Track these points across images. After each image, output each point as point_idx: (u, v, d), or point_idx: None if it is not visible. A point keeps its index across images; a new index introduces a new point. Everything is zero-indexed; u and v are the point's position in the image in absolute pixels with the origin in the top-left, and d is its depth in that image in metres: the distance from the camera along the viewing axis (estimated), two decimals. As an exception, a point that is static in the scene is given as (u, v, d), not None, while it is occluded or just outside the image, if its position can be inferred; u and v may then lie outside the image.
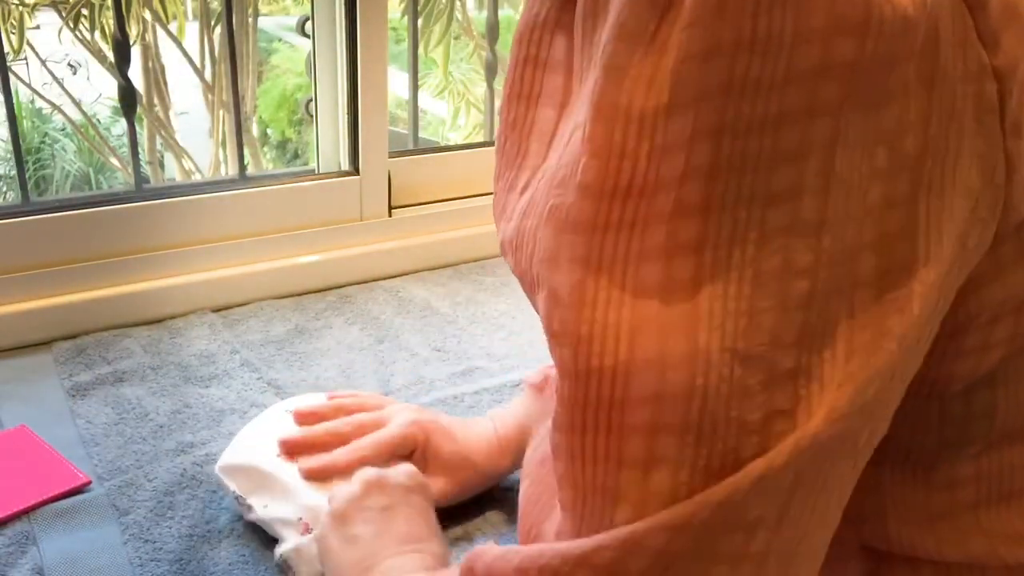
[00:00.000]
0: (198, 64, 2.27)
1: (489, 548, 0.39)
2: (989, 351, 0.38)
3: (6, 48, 1.05)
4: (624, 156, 0.32)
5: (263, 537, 0.72)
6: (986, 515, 0.41)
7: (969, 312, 0.37)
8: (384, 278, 1.23)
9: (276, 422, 0.76)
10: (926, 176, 0.32)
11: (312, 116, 1.26)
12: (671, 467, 0.33)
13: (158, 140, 2.46)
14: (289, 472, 0.70)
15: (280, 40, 3.49)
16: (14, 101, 1.45)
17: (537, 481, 0.44)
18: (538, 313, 0.38)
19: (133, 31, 2.05)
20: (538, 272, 0.36)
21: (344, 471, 0.66)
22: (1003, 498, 0.41)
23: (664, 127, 0.31)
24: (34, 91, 2.71)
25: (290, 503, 0.68)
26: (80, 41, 2.14)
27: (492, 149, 1.40)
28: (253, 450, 0.74)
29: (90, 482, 0.79)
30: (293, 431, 0.73)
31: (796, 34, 0.30)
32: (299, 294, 1.18)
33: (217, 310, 1.12)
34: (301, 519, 0.67)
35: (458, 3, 2.33)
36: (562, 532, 0.37)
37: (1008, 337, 0.37)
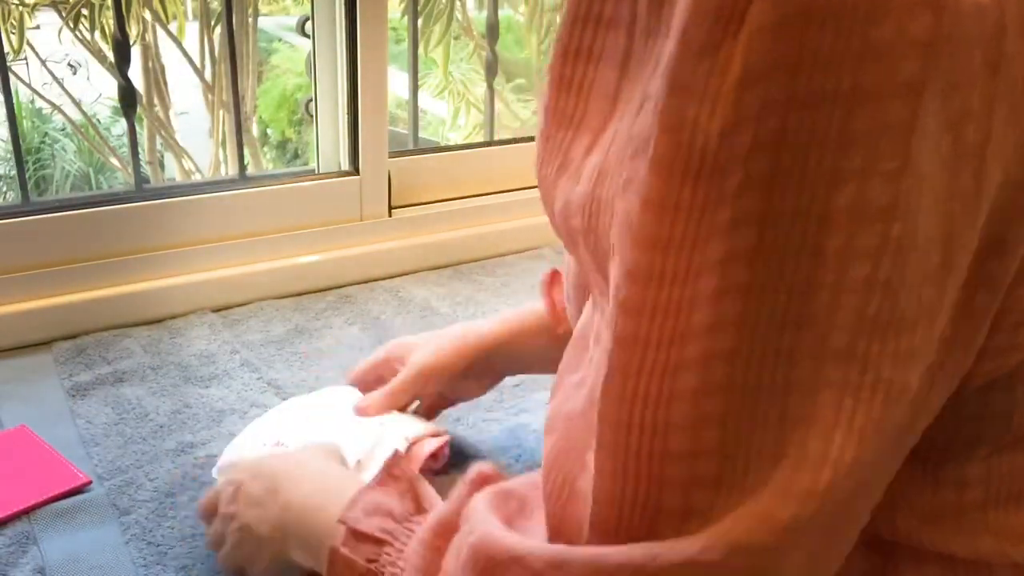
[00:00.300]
0: (198, 64, 2.27)
1: (531, 546, 0.39)
2: (1013, 352, 0.37)
3: (6, 48, 1.05)
4: (696, 132, 0.32)
5: (263, 537, 0.73)
6: (994, 515, 0.41)
7: (999, 312, 0.36)
8: (384, 278, 1.23)
9: (265, 422, 0.78)
10: (987, 168, 0.32)
11: (312, 116, 1.26)
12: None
13: (158, 140, 2.46)
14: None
15: (280, 40, 3.49)
16: (14, 101, 1.45)
17: (565, 436, 0.43)
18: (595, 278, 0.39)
19: (133, 31, 2.05)
20: (613, 241, 0.36)
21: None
22: (1012, 499, 0.41)
23: (736, 100, 0.31)
24: (34, 91, 2.71)
25: None
26: (80, 41, 2.14)
27: (492, 149, 1.41)
28: (243, 447, 0.75)
29: (90, 482, 0.79)
30: (286, 425, 0.77)
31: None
32: (299, 294, 1.18)
33: (217, 310, 1.12)
34: None
35: (458, 3, 2.33)
36: (598, 501, 0.37)
37: None
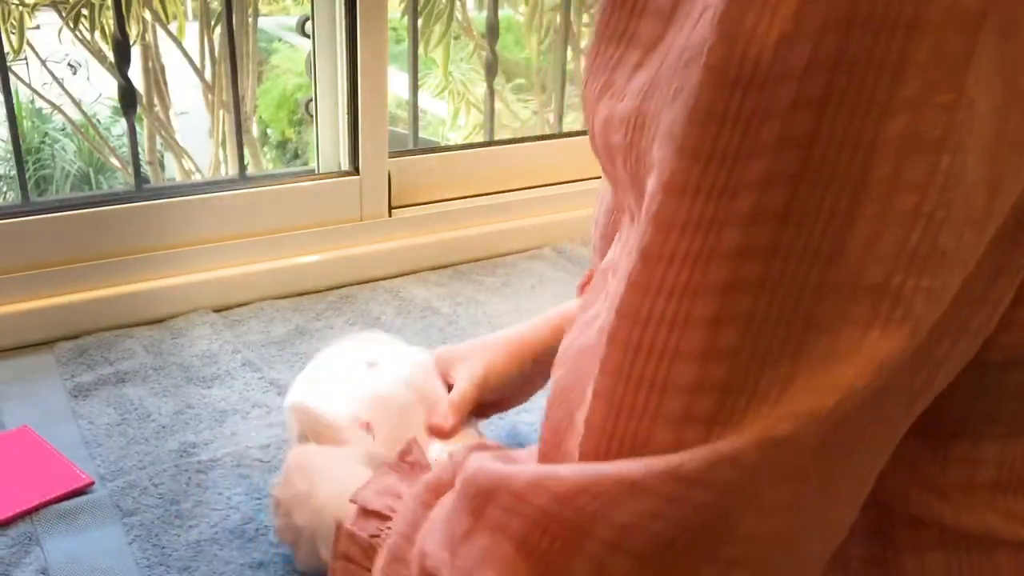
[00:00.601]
0: (198, 64, 2.27)
1: (512, 469, 0.39)
2: None
3: (6, 48, 1.05)
4: (752, 41, 0.31)
5: (272, 538, 0.73)
6: (1003, 499, 0.40)
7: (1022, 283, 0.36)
8: (384, 278, 1.24)
9: (359, 379, 0.73)
10: None
11: (312, 116, 1.26)
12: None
13: (158, 140, 2.46)
14: (364, 443, 0.68)
15: (280, 40, 3.49)
16: (14, 101, 1.45)
17: (573, 370, 0.42)
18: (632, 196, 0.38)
19: (133, 31, 2.05)
20: (655, 154, 0.36)
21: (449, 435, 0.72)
22: (1021, 483, 0.40)
23: (797, 12, 0.30)
24: (34, 91, 2.71)
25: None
26: (80, 41, 2.14)
27: (492, 149, 1.41)
28: (332, 405, 0.70)
29: (93, 483, 0.79)
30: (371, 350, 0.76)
31: None
32: (299, 294, 1.18)
33: (218, 310, 1.12)
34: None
35: (458, 3, 2.33)
36: (592, 420, 0.37)
37: None
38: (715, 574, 0.35)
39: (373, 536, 0.53)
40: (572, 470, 0.36)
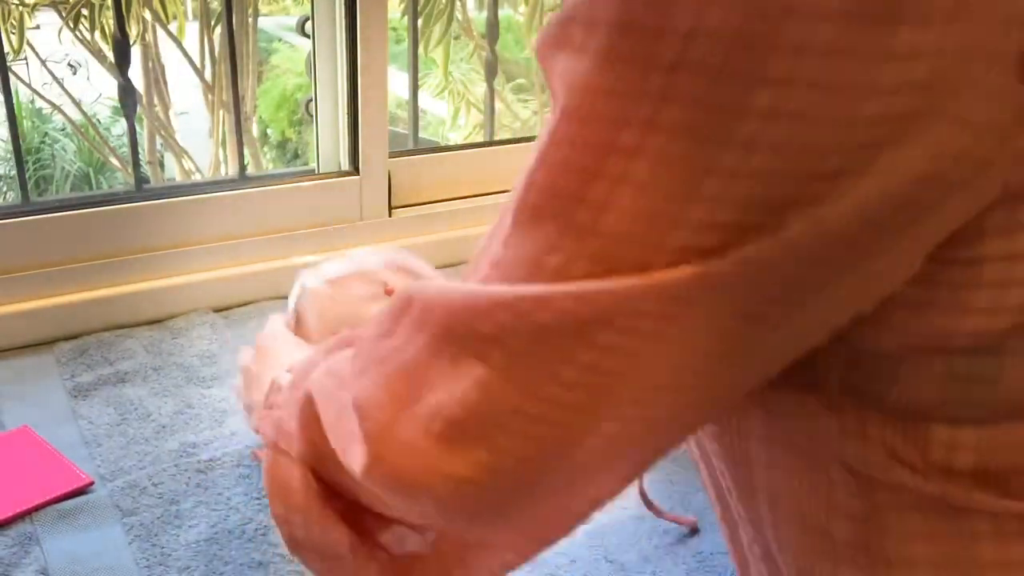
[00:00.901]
0: (198, 64, 2.27)
1: (434, 285, 0.41)
2: (998, 315, 0.37)
3: (6, 48, 1.05)
4: None
5: (273, 538, 0.73)
6: (983, 483, 0.41)
7: (973, 260, 0.36)
8: (385, 278, 1.23)
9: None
10: (919, 102, 0.32)
11: (312, 116, 1.26)
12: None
13: (158, 140, 2.46)
14: None
15: (280, 40, 3.49)
16: (14, 101, 1.45)
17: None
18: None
19: (133, 31, 2.05)
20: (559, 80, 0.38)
21: None
22: (1002, 472, 0.41)
23: None
24: (34, 91, 2.71)
25: None
26: (80, 41, 2.14)
27: (492, 149, 1.40)
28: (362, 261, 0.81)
29: (92, 483, 0.79)
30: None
31: None
32: (300, 294, 1.18)
33: (218, 310, 1.12)
34: None
35: (458, 3, 2.33)
36: (501, 268, 0.38)
37: (1018, 306, 0.37)
38: (573, 372, 0.36)
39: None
40: (567, 287, 0.37)
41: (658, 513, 0.78)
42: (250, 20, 2.21)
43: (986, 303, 0.37)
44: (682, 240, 0.34)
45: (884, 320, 0.39)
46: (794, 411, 0.44)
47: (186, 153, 2.46)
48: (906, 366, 0.40)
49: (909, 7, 0.31)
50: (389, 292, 0.78)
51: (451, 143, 2.74)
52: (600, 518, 0.78)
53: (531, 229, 0.37)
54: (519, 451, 0.37)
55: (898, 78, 0.32)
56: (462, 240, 1.31)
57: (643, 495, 0.78)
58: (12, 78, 1.17)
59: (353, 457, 0.41)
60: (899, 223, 0.35)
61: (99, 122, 3.12)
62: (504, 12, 2.95)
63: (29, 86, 2.68)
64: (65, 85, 2.52)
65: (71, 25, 2.10)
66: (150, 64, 2.25)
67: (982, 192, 0.35)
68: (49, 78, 2.52)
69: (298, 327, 0.79)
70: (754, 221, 0.34)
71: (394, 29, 2.46)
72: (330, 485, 0.49)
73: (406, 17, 1.60)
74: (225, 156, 2.33)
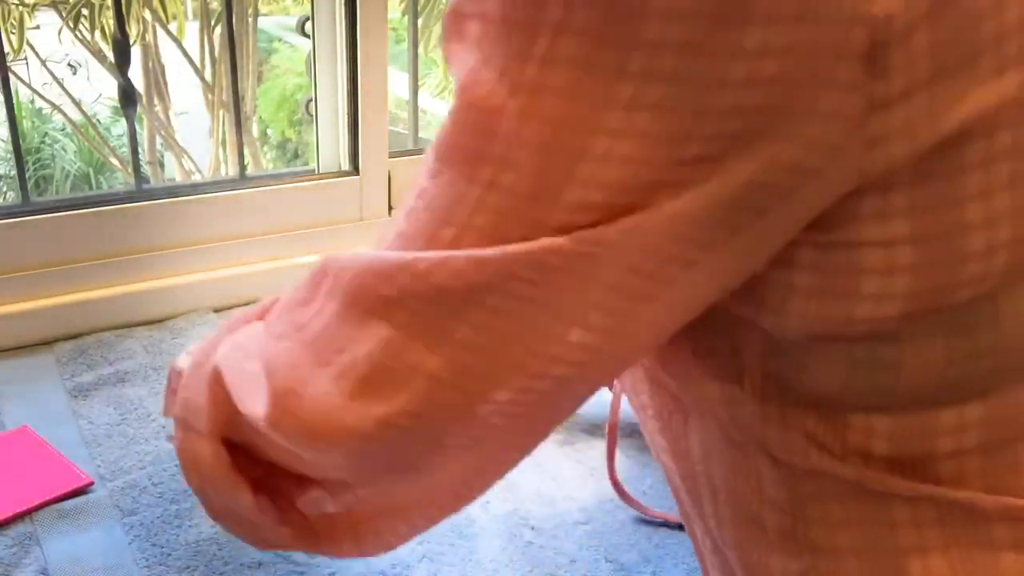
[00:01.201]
0: (198, 64, 2.27)
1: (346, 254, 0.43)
2: (887, 301, 0.39)
3: (6, 48, 1.05)
4: None
5: (265, 537, 0.73)
6: (898, 468, 0.42)
7: (855, 244, 0.38)
8: (385, 278, 1.23)
9: None
10: (773, 97, 0.35)
11: (312, 116, 1.26)
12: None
13: (158, 140, 2.46)
14: None
15: (280, 40, 3.49)
16: (14, 101, 1.45)
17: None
18: None
19: (133, 31, 2.05)
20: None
21: None
22: (916, 459, 0.42)
23: None
24: (34, 91, 2.71)
25: None
26: (80, 41, 2.14)
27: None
28: None
29: (92, 483, 0.79)
30: None
31: None
32: (300, 294, 1.18)
33: (218, 310, 1.12)
34: None
35: (458, 3, 2.33)
36: (404, 239, 0.41)
37: (907, 291, 0.38)
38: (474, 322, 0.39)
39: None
40: (462, 252, 0.40)
41: (639, 507, 0.79)
42: (250, 20, 2.21)
43: (874, 289, 0.39)
44: (560, 219, 0.37)
45: (784, 308, 0.41)
46: (725, 402, 0.46)
47: (186, 153, 2.46)
48: (814, 354, 0.42)
49: (757, 8, 0.33)
50: None
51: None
52: (600, 518, 0.78)
53: (423, 204, 0.40)
54: (418, 407, 0.39)
55: (749, 74, 0.34)
56: (462, 240, 1.31)
57: (617, 487, 0.78)
58: (12, 78, 1.17)
59: (257, 408, 0.44)
60: (759, 206, 0.37)
61: (99, 122, 3.12)
62: (504, 12, 2.95)
63: (29, 86, 2.68)
64: (65, 85, 2.52)
65: (71, 25, 2.10)
66: (150, 64, 2.25)
67: (837, 179, 0.36)
68: (49, 78, 2.52)
69: None
70: (623, 202, 0.36)
71: (394, 29, 2.45)
72: (246, 453, 0.50)
73: (406, 17, 1.60)
74: (225, 156, 2.33)
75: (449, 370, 0.39)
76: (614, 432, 0.77)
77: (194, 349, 0.56)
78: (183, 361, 0.57)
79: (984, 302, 0.39)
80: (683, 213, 0.36)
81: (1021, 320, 0.40)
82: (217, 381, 0.49)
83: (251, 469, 0.51)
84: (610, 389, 0.82)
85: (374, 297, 0.41)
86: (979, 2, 0.34)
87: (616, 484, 0.79)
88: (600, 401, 0.73)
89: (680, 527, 0.77)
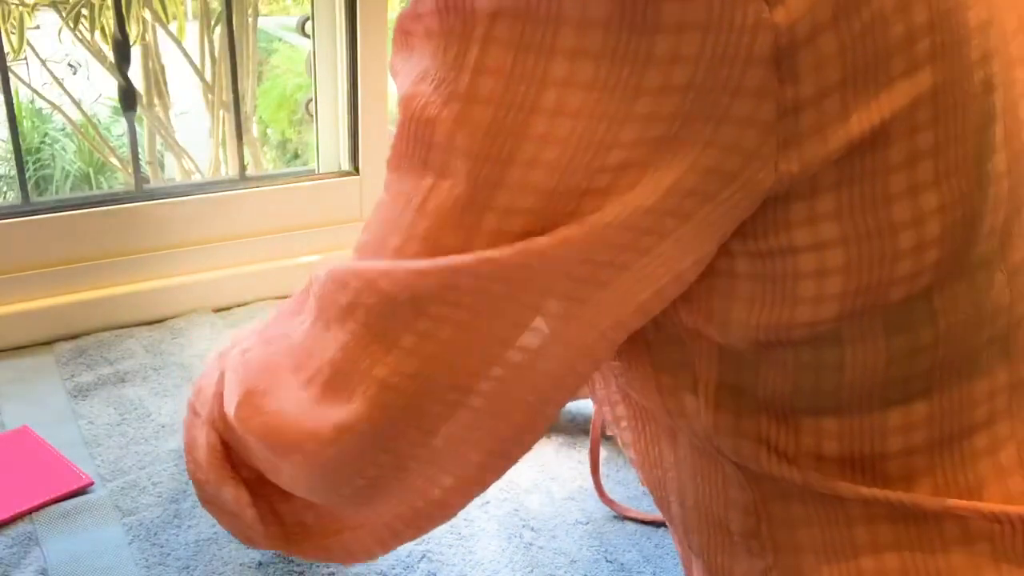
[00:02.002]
0: (198, 64, 2.27)
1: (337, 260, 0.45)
2: (823, 303, 0.40)
3: (6, 48, 1.05)
4: None
5: (265, 537, 0.73)
6: (849, 470, 0.43)
7: (788, 250, 0.39)
8: (385, 278, 1.23)
9: None
10: (687, 104, 0.36)
11: (312, 116, 1.26)
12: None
13: (158, 140, 2.46)
14: None
15: (280, 40, 3.48)
16: (14, 101, 1.45)
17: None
18: None
19: (133, 31, 2.05)
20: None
21: None
22: (866, 458, 0.43)
23: None
24: (34, 91, 2.71)
25: None
26: (80, 41, 2.14)
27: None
28: None
29: (92, 483, 0.79)
30: None
31: None
32: (300, 294, 1.18)
33: (217, 310, 1.12)
34: None
35: (458, 2, 2.33)
36: (363, 248, 0.43)
37: (841, 293, 0.39)
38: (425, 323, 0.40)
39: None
40: (406, 263, 0.41)
41: (622, 510, 0.79)
42: (250, 20, 2.21)
43: (811, 292, 0.40)
44: (493, 224, 0.38)
45: (728, 318, 0.42)
46: (684, 412, 0.47)
47: (186, 153, 2.46)
48: (763, 360, 0.43)
49: (666, 17, 0.34)
50: None
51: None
52: (600, 518, 0.78)
53: (378, 214, 0.42)
54: (371, 411, 0.41)
55: (662, 81, 0.35)
56: (462, 240, 1.31)
57: (601, 493, 0.78)
58: (12, 78, 1.17)
59: (231, 405, 0.46)
60: (684, 211, 0.38)
61: (99, 122, 3.12)
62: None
63: (29, 86, 2.68)
64: (65, 85, 2.52)
65: (71, 25, 2.10)
66: (150, 64, 2.25)
67: (756, 182, 0.37)
68: (49, 78, 2.52)
69: None
70: (552, 207, 0.38)
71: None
72: (240, 453, 0.52)
73: (406, 17, 1.60)
74: (225, 156, 2.33)
75: (395, 377, 0.40)
76: (596, 448, 0.77)
77: (235, 337, 0.58)
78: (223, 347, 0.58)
79: (919, 300, 0.40)
80: (611, 220, 0.37)
81: (958, 315, 0.41)
82: (223, 376, 0.51)
83: (243, 468, 0.52)
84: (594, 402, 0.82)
85: (335, 305, 0.42)
86: (884, 6, 0.35)
87: (602, 494, 0.79)
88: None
89: None
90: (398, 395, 0.40)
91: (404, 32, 0.41)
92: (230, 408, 0.47)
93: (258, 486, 0.53)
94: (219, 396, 0.52)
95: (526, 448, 0.45)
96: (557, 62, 0.36)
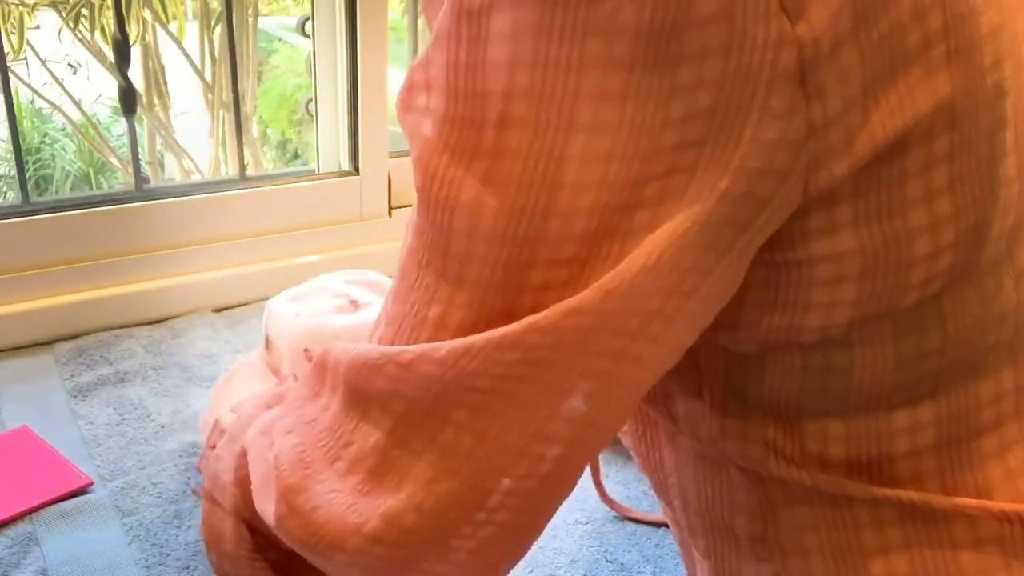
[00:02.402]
0: (198, 64, 2.27)
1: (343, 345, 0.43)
2: (837, 309, 0.39)
3: (6, 48, 1.05)
4: (461, 41, 0.37)
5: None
6: (856, 473, 0.43)
7: (803, 261, 0.39)
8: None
9: (329, 313, 0.80)
10: (714, 128, 0.35)
11: (312, 116, 1.26)
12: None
13: (158, 140, 2.46)
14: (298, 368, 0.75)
15: (280, 40, 3.48)
16: (14, 101, 1.45)
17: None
18: None
19: (133, 31, 2.04)
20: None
21: None
22: (873, 462, 0.43)
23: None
24: (34, 91, 2.71)
25: None
26: (80, 41, 2.13)
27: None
28: (313, 303, 0.81)
29: (92, 483, 0.79)
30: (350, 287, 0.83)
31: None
32: (300, 294, 1.18)
33: (217, 310, 1.12)
34: None
35: (458, 2, 2.33)
36: (383, 337, 0.41)
37: (855, 299, 0.39)
38: (564, 394, 0.38)
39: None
40: (446, 342, 0.39)
41: (622, 510, 0.79)
42: (250, 20, 2.21)
43: (824, 299, 0.39)
44: (539, 279, 0.37)
45: (737, 322, 0.41)
46: (691, 417, 0.46)
47: (186, 153, 2.45)
48: (770, 364, 0.42)
49: (687, 48, 0.34)
50: (355, 304, 0.78)
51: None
52: (600, 518, 0.78)
53: (413, 283, 0.40)
54: (422, 500, 0.39)
55: (685, 109, 0.34)
56: (462, 240, 1.31)
57: (602, 494, 0.78)
58: (12, 78, 1.17)
59: (267, 507, 0.43)
60: (721, 244, 0.37)
61: (99, 122, 3.12)
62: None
63: (29, 86, 2.68)
64: (65, 85, 2.52)
65: (71, 25, 2.10)
66: (150, 64, 2.25)
67: (785, 200, 0.37)
68: (49, 78, 2.52)
69: (269, 350, 0.79)
70: (594, 253, 0.36)
71: (394, 29, 2.45)
72: (267, 534, 0.50)
73: (406, 17, 1.60)
74: (225, 156, 2.33)
75: (446, 464, 0.38)
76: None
77: (239, 408, 0.55)
78: (227, 417, 0.57)
79: (930, 304, 0.40)
80: (652, 262, 0.36)
81: (966, 319, 0.41)
82: (244, 465, 0.49)
83: (270, 550, 0.51)
84: None
85: (369, 390, 0.40)
86: (901, 14, 0.35)
87: (603, 495, 0.79)
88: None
89: None
90: (452, 478, 0.38)
91: (411, 86, 0.40)
92: (266, 510, 0.44)
93: (289, 567, 0.51)
94: (241, 483, 0.50)
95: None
96: (582, 108, 0.35)
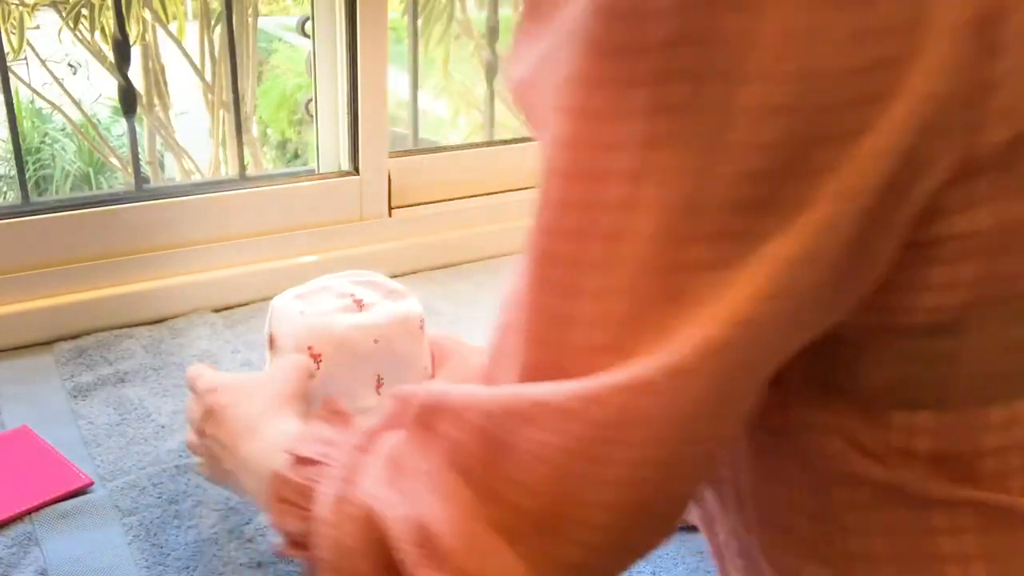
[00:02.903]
0: (198, 64, 2.26)
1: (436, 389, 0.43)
2: (954, 290, 0.38)
3: (6, 48, 1.05)
4: (630, 11, 0.34)
5: (272, 538, 0.73)
6: (942, 468, 0.41)
7: (934, 240, 0.37)
8: (385, 278, 1.23)
9: (334, 313, 0.78)
10: (897, 73, 0.33)
11: (312, 116, 1.26)
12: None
13: (158, 140, 2.46)
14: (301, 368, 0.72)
15: (280, 40, 3.48)
16: (14, 101, 1.45)
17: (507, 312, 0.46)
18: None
19: (133, 31, 2.04)
20: (547, 114, 0.39)
21: None
22: (961, 455, 0.41)
23: None
24: (34, 91, 2.71)
25: None
26: (80, 41, 2.13)
27: (492, 149, 1.40)
28: (318, 304, 0.78)
29: (92, 483, 0.79)
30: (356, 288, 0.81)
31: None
32: (300, 294, 1.18)
33: (217, 310, 1.12)
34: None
35: (458, 3, 2.32)
36: (509, 348, 0.40)
37: (974, 279, 0.37)
38: (611, 477, 0.37)
39: (309, 480, 0.53)
40: (500, 391, 0.39)
41: None
42: (250, 20, 2.21)
43: (943, 279, 0.38)
44: (687, 291, 0.35)
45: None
46: (761, 407, 0.44)
47: (186, 153, 2.45)
48: (867, 349, 0.41)
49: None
50: (359, 303, 0.78)
51: (451, 143, 2.74)
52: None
53: (546, 312, 0.39)
54: (585, 558, 0.38)
55: (869, 55, 0.32)
56: (462, 240, 1.31)
57: None
58: (12, 78, 1.17)
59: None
60: (883, 211, 0.35)
61: (99, 122, 3.12)
62: (504, 12, 2.95)
63: (29, 86, 2.68)
64: (65, 85, 2.52)
65: (71, 25, 2.10)
66: (150, 64, 2.25)
67: (942, 167, 0.35)
68: (49, 78, 2.52)
69: (273, 348, 0.79)
70: (750, 226, 0.35)
71: (394, 29, 2.45)
72: None
73: (406, 17, 1.60)
74: (225, 156, 2.33)
75: (608, 513, 0.38)
76: None
77: (336, 476, 0.51)
78: (285, 467, 0.54)
79: None
80: (812, 244, 0.35)
81: None
82: (374, 525, 0.45)
83: None
84: None
85: (517, 435, 0.39)
86: None
87: None
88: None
89: (682, 529, 0.77)
90: (621, 516, 0.38)
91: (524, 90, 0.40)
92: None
93: None
94: (371, 544, 0.45)
95: None
96: (741, 118, 0.34)
